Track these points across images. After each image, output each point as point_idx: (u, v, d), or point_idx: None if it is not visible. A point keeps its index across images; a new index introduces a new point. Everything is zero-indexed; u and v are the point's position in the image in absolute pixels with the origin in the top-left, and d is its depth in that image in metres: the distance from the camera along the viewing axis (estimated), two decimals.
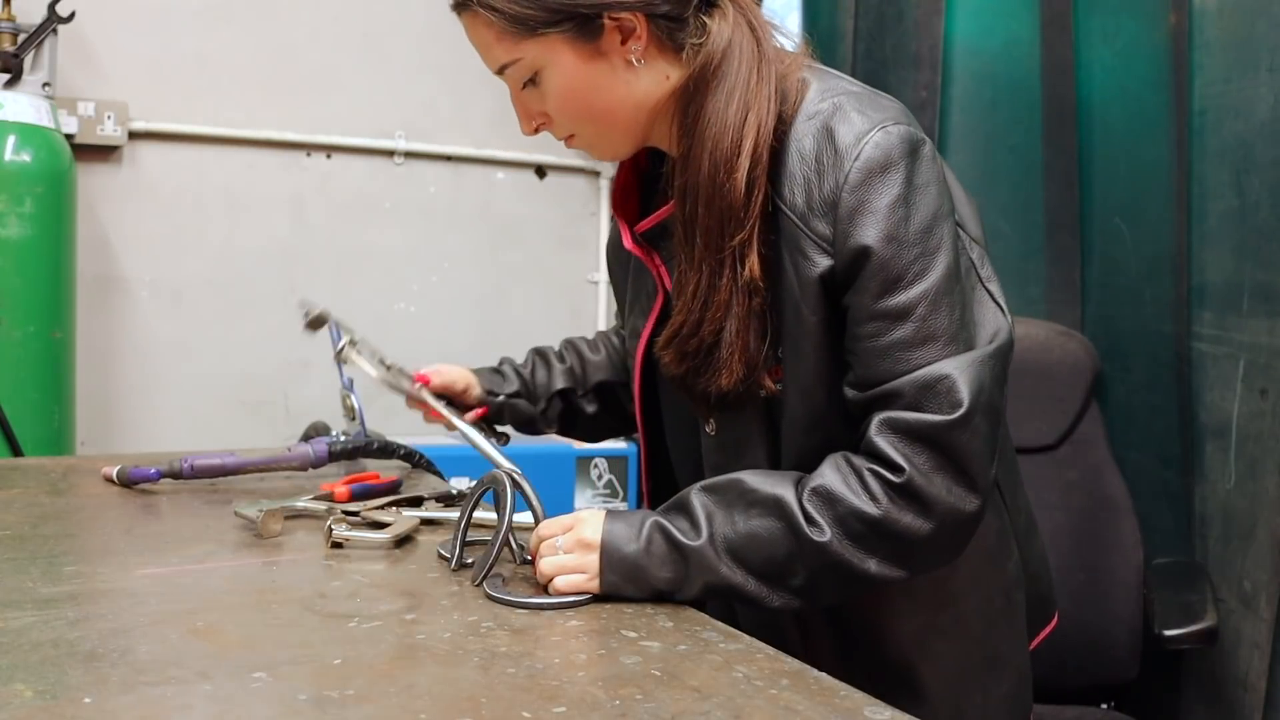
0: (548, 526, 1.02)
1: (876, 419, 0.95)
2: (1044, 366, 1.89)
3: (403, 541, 1.17)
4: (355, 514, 1.23)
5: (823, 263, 0.96)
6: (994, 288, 1.03)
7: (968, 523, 0.96)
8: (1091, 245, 2.14)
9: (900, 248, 0.94)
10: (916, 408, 0.93)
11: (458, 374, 1.44)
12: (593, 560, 0.97)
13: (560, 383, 1.43)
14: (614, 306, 3.53)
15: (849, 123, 0.97)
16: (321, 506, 1.28)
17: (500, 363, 1.48)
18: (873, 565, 0.95)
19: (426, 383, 1.40)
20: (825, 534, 0.94)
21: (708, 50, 1.01)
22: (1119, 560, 1.82)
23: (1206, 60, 1.84)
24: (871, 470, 0.94)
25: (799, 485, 0.97)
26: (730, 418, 1.06)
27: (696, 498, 0.99)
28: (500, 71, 1.05)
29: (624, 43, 1.01)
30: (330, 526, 1.15)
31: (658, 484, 1.28)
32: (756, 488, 0.97)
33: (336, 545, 1.15)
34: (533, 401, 1.44)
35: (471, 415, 1.41)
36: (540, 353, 1.47)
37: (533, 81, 1.04)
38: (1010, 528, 1.13)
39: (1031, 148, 2.19)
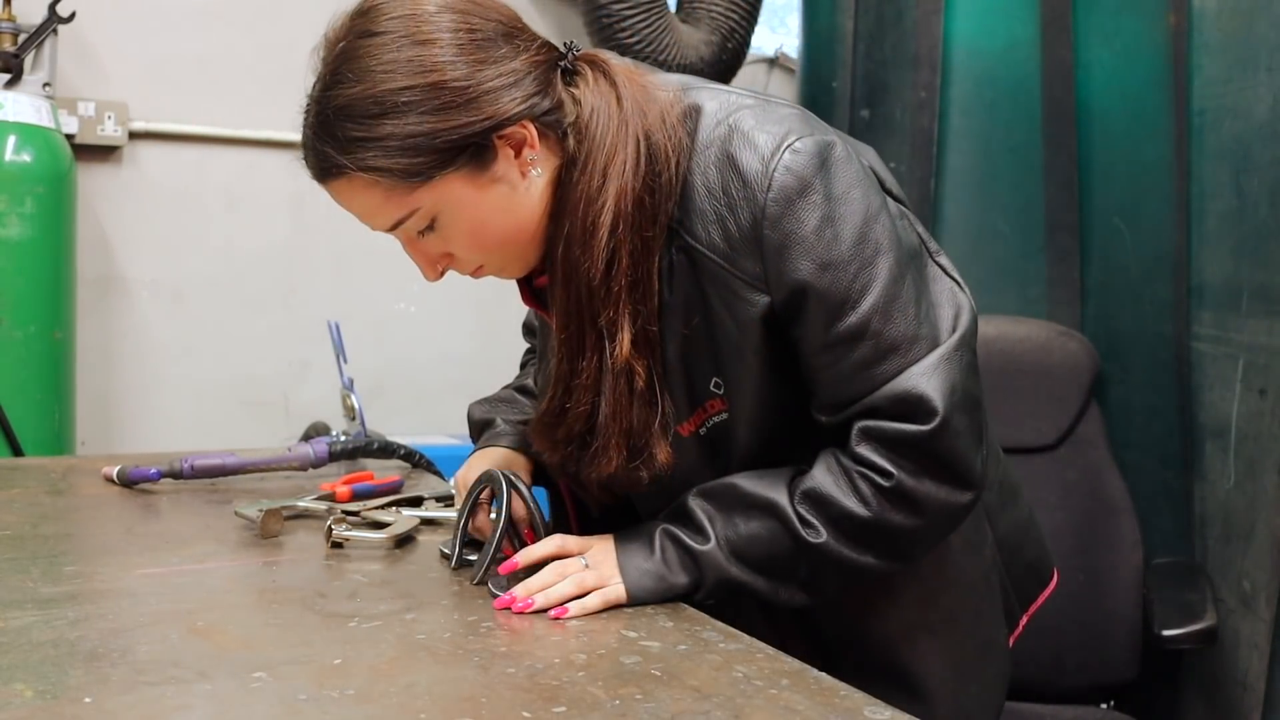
0: (562, 549, 1.00)
1: (857, 428, 0.94)
2: (1044, 366, 1.89)
3: (403, 541, 1.17)
4: (355, 514, 1.24)
5: (760, 301, 0.93)
6: (944, 260, 1.01)
7: (959, 513, 0.97)
8: (1091, 245, 2.14)
9: (837, 271, 0.91)
10: (894, 418, 0.92)
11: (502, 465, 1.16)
12: (611, 574, 0.96)
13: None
14: None
15: (750, 146, 0.92)
16: (321, 506, 1.28)
17: (516, 401, 1.28)
18: (871, 559, 0.95)
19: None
20: (821, 535, 0.94)
21: (576, 130, 0.95)
22: (1119, 560, 1.82)
23: (1206, 60, 1.84)
24: (861, 473, 0.94)
25: (791, 486, 0.96)
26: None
27: (695, 503, 0.99)
28: (393, 229, 0.96)
29: (517, 155, 0.94)
30: (330, 526, 1.15)
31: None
32: (750, 491, 0.97)
33: (336, 545, 1.15)
34: None
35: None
36: (526, 394, 1.30)
37: (430, 227, 0.96)
38: (982, 510, 1.12)
39: (1031, 148, 2.19)
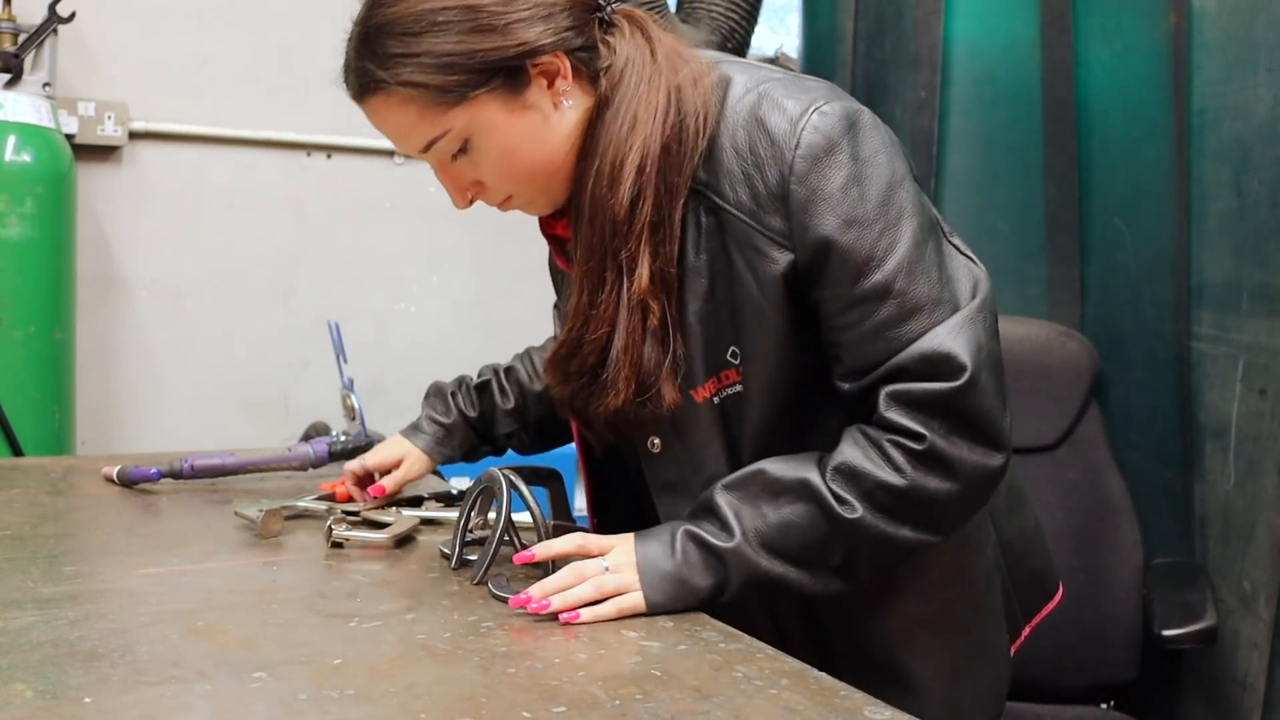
0: (583, 549, 0.99)
1: (884, 394, 0.94)
2: (1044, 366, 1.89)
3: (403, 541, 1.17)
4: (355, 514, 1.24)
5: (782, 259, 0.94)
6: (958, 241, 1.02)
7: (993, 477, 0.96)
8: (1091, 245, 2.14)
9: (862, 229, 0.93)
10: (922, 378, 0.93)
11: (394, 454, 1.34)
12: (632, 580, 0.95)
13: (506, 427, 1.39)
14: None
15: (779, 109, 0.95)
16: (321, 507, 1.28)
17: (449, 402, 1.40)
18: (907, 532, 0.94)
19: (383, 492, 1.30)
20: (856, 510, 0.93)
21: (610, 74, 0.99)
22: (1119, 560, 1.82)
23: (1206, 60, 1.84)
24: (892, 440, 0.93)
25: (821, 465, 0.96)
26: (677, 431, 1.03)
27: (721, 497, 0.98)
28: (425, 149, 0.98)
29: (550, 86, 0.98)
30: (330, 526, 1.15)
31: (604, 514, 1.24)
32: (780, 475, 0.96)
33: (336, 545, 1.15)
34: (481, 440, 1.41)
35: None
36: (486, 389, 1.41)
37: (462, 151, 0.98)
38: (986, 509, 1.12)
39: (1031, 148, 2.19)
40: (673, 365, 0.99)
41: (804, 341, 0.98)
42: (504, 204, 1.04)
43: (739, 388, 1.00)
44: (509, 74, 0.95)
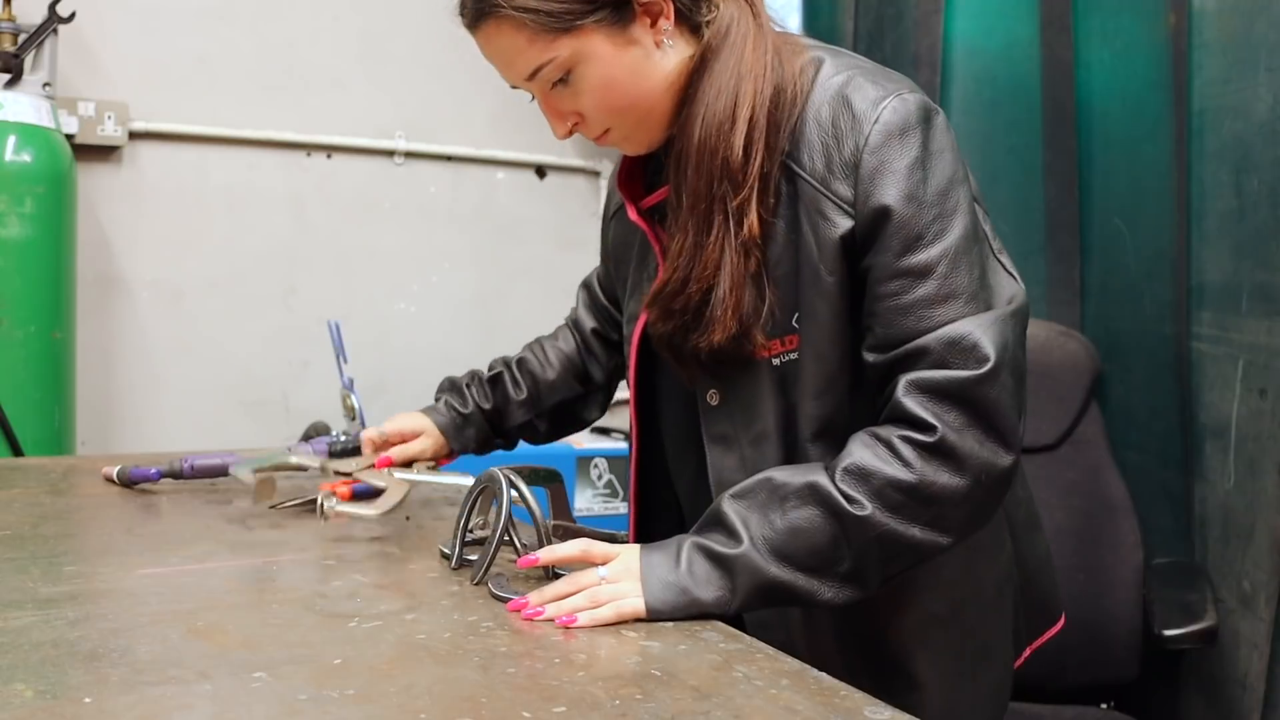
0: (586, 556, 0.99)
1: (903, 380, 0.95)
2: (1044, 366, 1.89)
3: (393, 510, 1.20)
4: (348, 474, 1.27)
5: (843, 224, 0.98)
6: (1005, 259, 1.04)
7: (1001, 479, 0.96)
8: (1091, 245, 2.14)
9: (920, 207, 0.96)
10: (943, 365, 0.94)
11: (413, 425, 1.40)
12: (629, 589, 0.95)
13: (519, 418, 1.44)
14: None
15: (864, 91, 1.00)
16: (314, 463, 1.33)
17: (465, 394, 1.44)
18: (916, 532, 0.94)
19: (390, 464, 1.34)
20: (866, 508, 0.94)
21: (715, 28, 1.03)
22: (1119, 560, 1.82)
23: (1206, 60, 1.84)
24: (902, 436, 0.94)
25: (829, 469, 0.96)
26: (736, 385, 1.06)
27: (728, 506, 0.98)
28: (531, 77, 1.03)
29: (653, 25, 1.02)
30: (322, 502, 1.18)
31: (646, 476, 1.27)
32: (787, 481, 0.97)
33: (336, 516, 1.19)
34: (494, 433, 1.46)
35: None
36: (499, 382, 1.45)
37: (563, 81, 1.02)
38: (1005, 519, 1.13)
39: (1031, 148, 2.19)
40: (767, 312, 1.02)
41: (855, 308, 1.01)
42: (602, 138, 1.07)
43: (795, 355, 1.03)
44: (615, 7, 1.00)
